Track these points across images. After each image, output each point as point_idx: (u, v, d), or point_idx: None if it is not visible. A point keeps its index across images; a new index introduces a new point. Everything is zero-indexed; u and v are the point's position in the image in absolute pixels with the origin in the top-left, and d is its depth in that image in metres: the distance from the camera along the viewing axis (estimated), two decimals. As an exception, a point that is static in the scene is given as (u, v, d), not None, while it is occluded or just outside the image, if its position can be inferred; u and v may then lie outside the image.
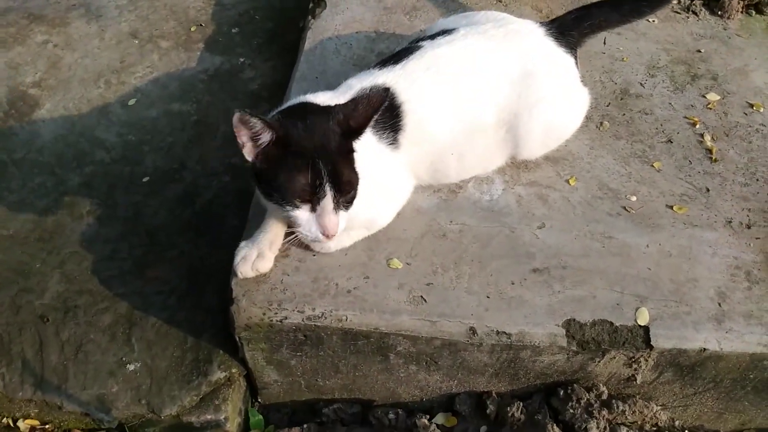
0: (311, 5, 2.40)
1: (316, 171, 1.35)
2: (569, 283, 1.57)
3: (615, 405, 1.58)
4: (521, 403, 1.61)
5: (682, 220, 1.72)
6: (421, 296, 1.53)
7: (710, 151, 1.89)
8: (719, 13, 2.40)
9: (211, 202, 2.00)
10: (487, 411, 1.62)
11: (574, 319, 1.51)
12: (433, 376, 1.63)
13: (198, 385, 1.60)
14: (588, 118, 1.90)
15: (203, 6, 2.77)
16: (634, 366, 1.55)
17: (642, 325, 1.50)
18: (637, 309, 1.52)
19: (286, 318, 1.49)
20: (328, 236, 1.41)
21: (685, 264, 1.62)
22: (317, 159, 1.35)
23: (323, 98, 1.56)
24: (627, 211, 1.73)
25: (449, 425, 1.66)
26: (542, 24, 1.80)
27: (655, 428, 1.65)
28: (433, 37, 1.75)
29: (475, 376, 1.62)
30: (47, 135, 2.20)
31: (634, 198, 1.76)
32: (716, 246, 1.66)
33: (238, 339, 1.55)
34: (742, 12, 2.42)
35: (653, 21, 2.35)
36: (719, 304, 1.54)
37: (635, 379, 1.58)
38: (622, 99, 2.05)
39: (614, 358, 1.53)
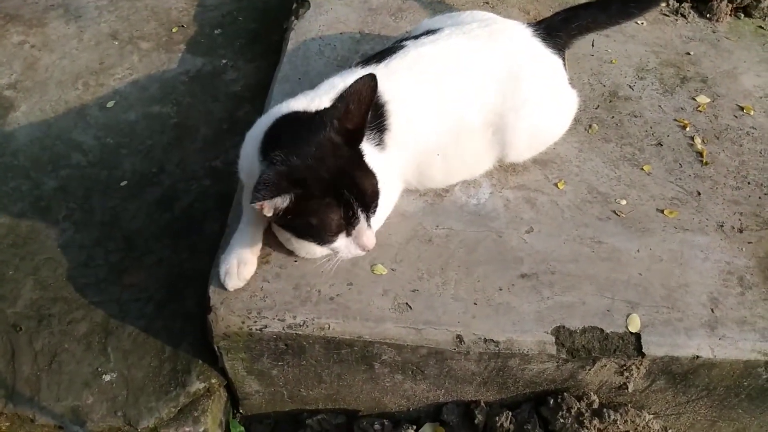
0: (294, 6, 2.37)
1: (345, 203, 1.31)
2: (558, 289, 1.54)
3: (606, 414, 1.56)
4: (510, 413, 1.60)
5: (673, 224, 1.69)
6: (407, 303, 1.49)
7: (701, 154, 1.88)
8: (708, 16, 2.41)
9: (190, 207, 1.97)
10: (476, 421, 1.60)
11: (564, 326, 1.48)
12: (419, 386, 1.60)
13: (176, 396, 1.56)
14: (576, 120, 1.88)
15: (186, 7, 2.74)
16: (626, 374, 1.53)
17: (633, 332, 1.48)
18: (628, 315, 1.50)
19: (266, 326, 1.45)
20: (367, 250, 1.39)
21: (676, 269, 1.60)
22: (341, 189, 1.30)
23: (304, 101, 1.52)
24: (617, 215, 1.70)
25: (437, 436, 1.64)
26: (529, 25, 1.78)
27: (647, 437, 1.63)
28: (417, 37, 1.72)
29: (462, 385, 1.59)
30: (22, 138, 2.16)
31: (623, 202, 1.73)
32: (708, 250, 1.64)
33: (216, 348, 1.52)
34: (730, 15, 2.43)
35: (642, 23, 2.35)
36: (712, 310, 1.52)
37: (627, 388, 1.56)
38: (611, 101, 2.03)
39: (605, 366, 1.51)
